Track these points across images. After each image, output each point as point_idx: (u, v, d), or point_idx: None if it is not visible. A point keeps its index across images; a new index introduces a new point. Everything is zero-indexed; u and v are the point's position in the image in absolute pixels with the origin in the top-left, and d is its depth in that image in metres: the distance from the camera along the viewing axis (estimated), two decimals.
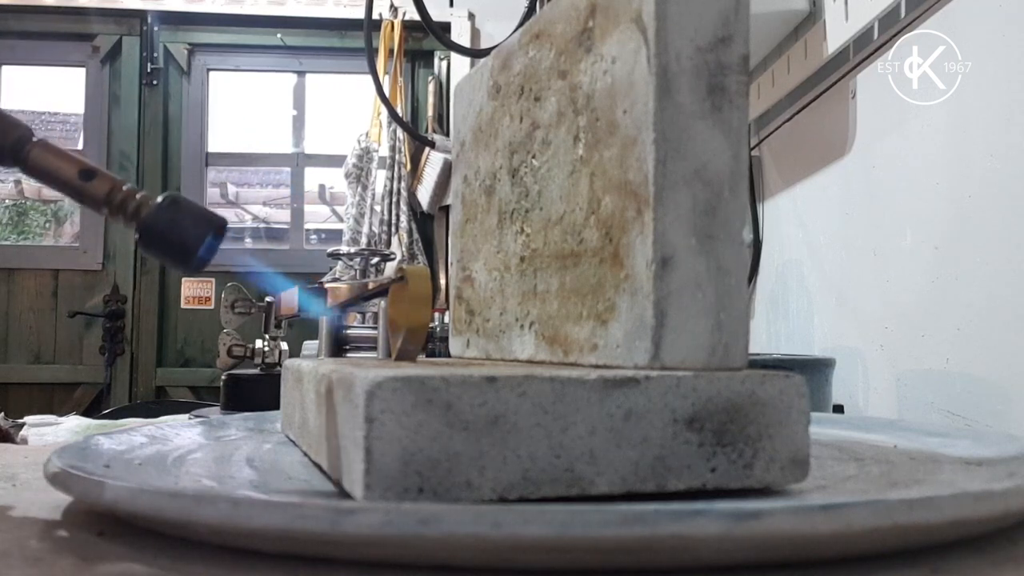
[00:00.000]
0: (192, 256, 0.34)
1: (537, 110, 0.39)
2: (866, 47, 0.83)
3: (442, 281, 2.31)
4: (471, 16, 2.58)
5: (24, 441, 0.83)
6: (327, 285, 0.76)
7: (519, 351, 0.40)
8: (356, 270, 1.00)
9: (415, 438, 0.26)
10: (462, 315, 0.48)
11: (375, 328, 0.89)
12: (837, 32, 0.85)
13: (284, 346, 0.86)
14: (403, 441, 0.26)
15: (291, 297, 0.73)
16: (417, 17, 1.04)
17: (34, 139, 0.34)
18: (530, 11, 0.94)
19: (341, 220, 2.68)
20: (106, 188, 0.34)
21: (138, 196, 0.34)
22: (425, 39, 2.62)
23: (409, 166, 2.48)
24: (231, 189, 3.62)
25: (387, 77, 2.49)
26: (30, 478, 0.40)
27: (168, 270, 2.64)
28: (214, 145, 2.75)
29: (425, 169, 2.47)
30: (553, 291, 0.37)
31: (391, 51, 2.52)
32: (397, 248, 2.41)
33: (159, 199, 0.35)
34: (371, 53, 1.14)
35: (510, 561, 0.23)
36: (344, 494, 0.29)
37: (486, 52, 0.77)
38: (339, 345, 0.88)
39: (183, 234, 0.34)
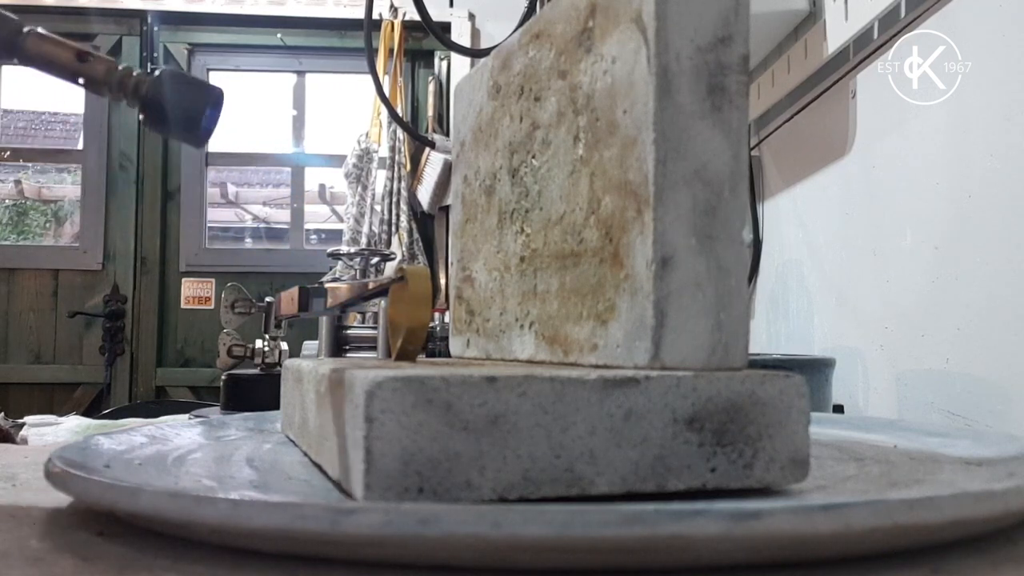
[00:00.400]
0: (197, 126, 0.35)
1: (537, 110, 0.39)
2: (866, 47, 0.83)
3: (442, 281, 2.31)
4: (471, 16, 2.58)
5: (24, 441, 0.83)
6: (327, 285, 0.76)
7: (519, 351, 0.40)
8: (356, 270, 1.00)
9: (415, 438, 0.26)
10: (462, 315, 0.48)
11: (375, 328, 0.89)
12: (837, 32, 0.85)
13: (284, 346, 0.86)
14: (403, 441, 0.26)
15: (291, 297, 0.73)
16: (417, 17, 1.04)
17: (26, 29, 0.34)
18: (530, 11, 0.94)
19: (341, 220, 2.68)
20: (103, 68, 0.35)
21: (135, 73, 0.35)
22: (425, 39, 2.61)
23: (409, 166, 2.48)
24: (231, 189, 3.62)
25: (387, 77, 2.49)
26: (30, 478, 0.40)
27: (168, 270, 2.64)
28: (214, 145, 2.73)
29: (425, 169, 2.46)
30: (553, 291, 0.37)
31: (391, 51, 2.52)
32: (397, 248, 2.41)
33: (156, 73, 0.35)
34: (371, 53, 1.14)
35: (510, 561, 0.23)
36: (344, 494, 0.29)
37: (486, 52, 0.77)
38: (339, 345, 0.88)
39: (186, 103, 0.35)
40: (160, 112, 0.35)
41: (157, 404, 1.90)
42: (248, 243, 3.22)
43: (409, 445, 0.26)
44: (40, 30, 0.35)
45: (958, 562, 0.25)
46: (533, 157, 0.39)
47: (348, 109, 2.76)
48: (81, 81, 0.35)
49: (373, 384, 0.26)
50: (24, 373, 2.56)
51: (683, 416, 0.28)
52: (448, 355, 0.51)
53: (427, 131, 2.56)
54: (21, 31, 0.34)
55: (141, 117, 0.35)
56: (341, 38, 2.66)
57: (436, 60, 2.66)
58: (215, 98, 0.35)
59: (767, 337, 1.09)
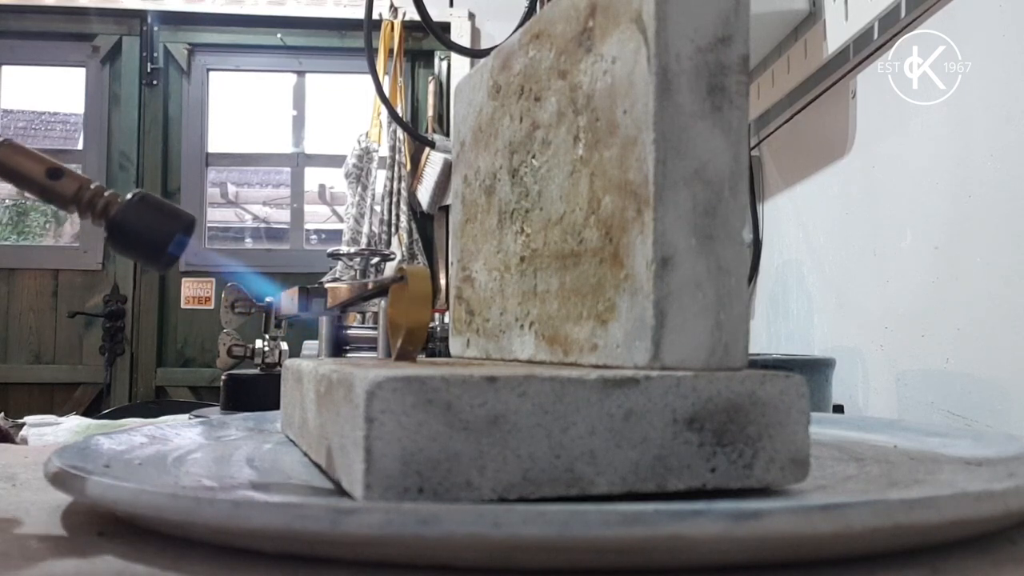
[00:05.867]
0: (162, 253, 0.35)
1: (537, 110, 0.39)
2: (866, 47, 0.83)
3: (442, 281, 2.31)
4: (471, 16, 2.58)
5: (24, 441, 0.83)
6: (327, 285, 0.76)
7: (519, 351, 0.40)
8: (356, 270, 1.00)
9: (415, 438, 0.26)
10: (462, 315, 0.48)
11: (375, 328, 0.89)
12: (837, 32, 0.85)
13: (284, 346, 0.86)
14: (403, 441, 0.26)
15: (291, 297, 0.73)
16: (417, 17, 1.04)
17: (2, 139, 0.35)
18: (530, 11, 0.94)
19: (341, 220, 2.68)
20: (74, 187, 0.35)
21: (106, 194, 0.35)
22: (425, 39, 2.61)
23: (409, 166, 2.48)
24: (231, 189, 3.62)
25: (387, 77, 2.49)
26: (30, 478, 0.40)
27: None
28: (214, 145, 2.75)
29: (425, 169, 2.47)
30: (553, 291, 0.37)
31: (391, 51, 2.52)
32: (397, 248, 2.41)
33: (128, 196, 0.35)
34: (371, 53, 1.14)
35: (510, 561, 0.23)
36: (344, 494, 0.29)
37: (486, 52, 0.77)
38: (339, 345, 0.88)
39: (152, 231, 0.35)
40: (125, 237, 0.35)
41: (157, 404, 1.90)
42: (248, 243, 3.22)
43: (409, 445, 0.26)
44: (15, 142, 0.35)
45: (958, 562, 0.25)
46: (533, 157, 0.39)
47: (348, 109, 2.76)
48: (47, 197, 0.35)
49: (373, 384, 0.26)
50: (24, 373, 2.56)
51: (683, 416, 0.28)
52: (448, 355, 0.51)
53: (427, 131, 2.56)
54: None
55: (106, 237, 0.35)
56: (341, 38, 2.66)
57: (436, 60, 2.66)
58: (185, 225, 0.35)
59: (767, 337, 1.09)
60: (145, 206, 0.35)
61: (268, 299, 0.86)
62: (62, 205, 0.35)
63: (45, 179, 0.35)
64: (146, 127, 2.65)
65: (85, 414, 1.27)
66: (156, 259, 0.35)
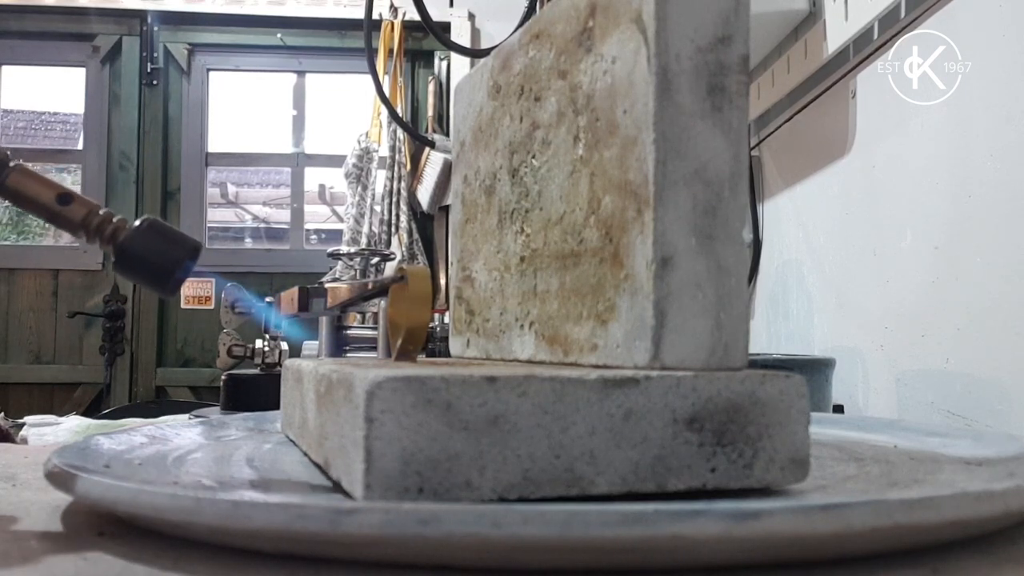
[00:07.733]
0: (169, 279, 0.35)
1: (537, 110, 0.39)
2: (866, 47, 0.83)
3: (442, 281, 2.31)
4: (471, 16, 2.58)
5: (24, 441, 0.83)
6: (327, 285, 0.76)
7: (519, 351, 0.40)
8: (356, 270, 1.00)
9: (415, 438, 0.26)
10: (462, 315, 0.48)
11: (375, 328, 0.89)
12: (837, 32, 0.85)
13: (284, 346, 0.86)
14: (403, 441, 0.26)
15: (291, 297, 0.73)
16: (417, 17, 1.04)
17: (11, 163, 0.35)
18: (530, 11, 0.94)
19: (341, 220, 2.68)
20: (83, 212, 0.35)
21: (114, 220, 0.36)
22: (425, 39, 2.61)
23: (409, 166, 2.48)
24: (231, 189, 3.62)
25: (387, 77, 2.49)
26: (30, 478, 0.40)
27: None
28: (214, 145, 2.74)
29: (425, 169, 2.46)
30: (553, 291, 0.37)
31: (391, 51, 2.52)
32: (397, 248, 2.41)
33: (136, 223, 0.36)
34: (371, 53, 1.14)
35: (510, 561, 0.23)
36: (344, 494, 0.29)
37: (486, 52, 0.77)
38: (339, 345, 0.88)
39: (159, 257, 0.35)
40: (133, 263, 0.36)
41: (157, 404, 1.90)
42: (248, 243, 3.22)
43: (409, 445, 0.26)
44: (25, 166, 0.35)
45: (958, 562, 0.25)
46: (533, 157, 0.39)
47: (348, 109, 2.75)
48: (57, 222, 0.36)
49: (373, 384, 0.26)
50: (24, 373, 2.56)
51: (683, 416, 0.28)
52: (448, 355, 0.51)
53: (427, 131, 2.56)
54: (6, 164, 0.35)
55: (113, 261, 0.36)
56: (341, 38, 2.65)
57: (436, 60, 2.66)
58: (191, 251, 0.36)
59: (767, 337, 1.09)
60: (152, 233, 0.36)
61: (268, 299, 0.86)
62: (71, 230, 0.36)
63: (55, 204, 0.35)
64: (146, 127, 2.65)
65: (85, 414, 1.27)
66: (162, 284, 0.35)
